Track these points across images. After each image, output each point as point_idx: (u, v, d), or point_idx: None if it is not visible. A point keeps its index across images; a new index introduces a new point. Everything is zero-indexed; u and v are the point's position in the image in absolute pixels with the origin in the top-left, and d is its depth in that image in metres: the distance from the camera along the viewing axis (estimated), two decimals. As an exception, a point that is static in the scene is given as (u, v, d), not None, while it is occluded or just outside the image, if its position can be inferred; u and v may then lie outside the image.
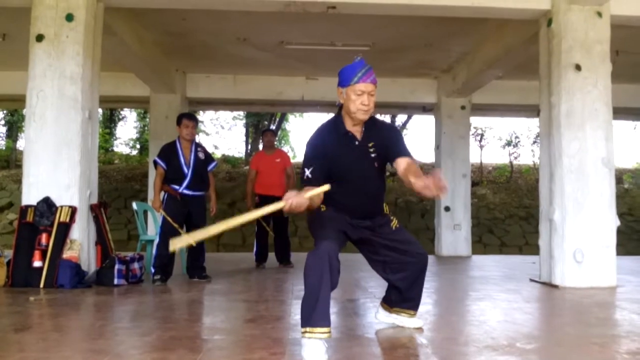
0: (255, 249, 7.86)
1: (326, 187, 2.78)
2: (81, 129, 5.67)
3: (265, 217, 7.53)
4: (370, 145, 3.08)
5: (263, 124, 20.96)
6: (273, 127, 20.69)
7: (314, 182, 2.90)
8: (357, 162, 3.06)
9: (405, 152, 3.03)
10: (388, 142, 3.08)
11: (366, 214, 3.15)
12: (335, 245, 2.84)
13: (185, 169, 5.92)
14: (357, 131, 3.08)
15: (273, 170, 7.76)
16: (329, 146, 3.02)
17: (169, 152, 5.99)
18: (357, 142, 3.07)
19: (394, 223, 3.27)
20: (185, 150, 6.00)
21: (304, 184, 2.95)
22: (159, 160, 5.96)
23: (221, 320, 3.82)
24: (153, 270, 5.73)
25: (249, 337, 3.16)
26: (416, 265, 3.25)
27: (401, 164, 2.96)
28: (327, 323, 2.72)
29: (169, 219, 5.78)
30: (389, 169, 3.37)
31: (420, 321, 3.48)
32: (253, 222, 7.67)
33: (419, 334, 3.29)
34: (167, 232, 5.80)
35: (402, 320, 3.44)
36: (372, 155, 3.09)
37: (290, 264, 7.68)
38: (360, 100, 2.96)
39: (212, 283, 5.82)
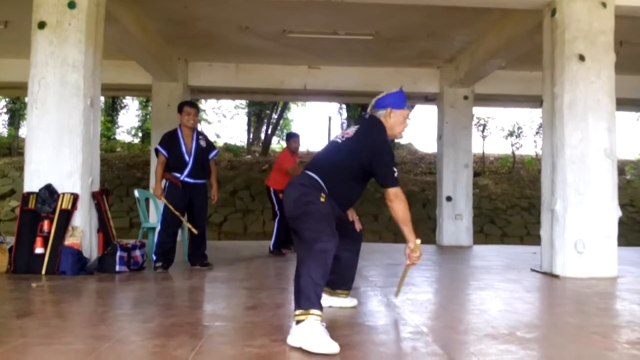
0: (275, 236, 7.93)
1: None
2: (83, 116, 5.67)
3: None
4: None
5: (265, 113, 20.95)
6: (275, 115, 20.71)
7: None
8: None
9: None
10: None
11: (347, 207, 3.51)
12: (336, 239, 2.92)
13: (187, 157, 5.91)
14: None
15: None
16: None
17: (170, 140, 5.97)
18: None
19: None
20: (186, 139, 5.98)
21: (396, 183, 3.17)
22: (160, 148, 5.95)
23: (222, 307, 3.83)
24: (155, 258, 5.74)
25: (250, 324, 3.17)
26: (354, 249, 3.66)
27: None
28: (320, 305, 2.77)
29: (170, 206, 5.78)
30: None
31: (355, 300, 3.82)
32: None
33: (418, 321, 3.30)
34: (168, 220, 5.82)
35: (340, 301, 3.71)
36: None
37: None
38: (405, 124, 3.45)
39: (214, 270, 5.83)
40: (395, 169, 3.20)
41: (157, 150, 6.00)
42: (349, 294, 3.78)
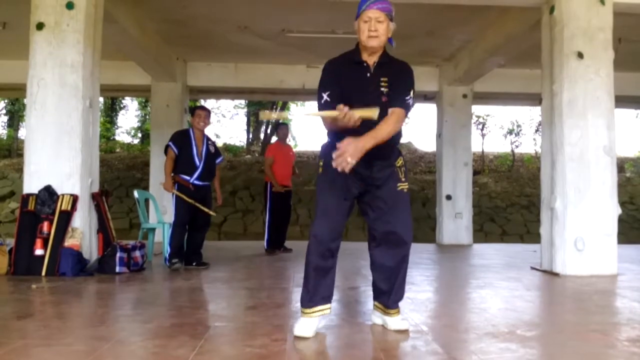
0: (267, 234, 8.00)
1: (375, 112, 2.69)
2: (82, 117, 5.67)
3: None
4: (384, 79, 2.96)
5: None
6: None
7: (330, 106, 2.82)
8: (366, 94, 2.91)
9: (396, 104, 2.91)
10: (395, 83, 2.97)
11: (369, 156, 2.72)
12: (328, 225, 2.92)
13: (197, 161, 5.99)
14: (371, 62, 3.00)
15: (288, 162, 8.10)
16: (343, 74, 2.95)
17: (182, 139, 6.06)
18: (369, 74, 2.97)
19: (403, 186, 3.01)
20: (198, 141, 6.08)
21: (320, 108, 2.88)
22: (172, 145, 6.00)
23: (223, 308, 3.83)
24: (168, 256, 5.83)
25: (250, 324, 3.17)
26: (395, 250, 3.09)
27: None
28: (314, 303, 2.94)
29: (183, 196, 5.87)
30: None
31: (405, 322, 3.07)
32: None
33: (418, 320, 3.29)
34: (182, 215, 5.88)
35: (383, 318, 3.12)
36: (382, 89, 2.95)
37: (289, 250, 8.07)
38: (367, 27, 2.94)
39: (214, 271, 5.83)
40: (322, 93, 2.90)
41: (168, 147, 6.06)
42: (398, 312, 3.10)
